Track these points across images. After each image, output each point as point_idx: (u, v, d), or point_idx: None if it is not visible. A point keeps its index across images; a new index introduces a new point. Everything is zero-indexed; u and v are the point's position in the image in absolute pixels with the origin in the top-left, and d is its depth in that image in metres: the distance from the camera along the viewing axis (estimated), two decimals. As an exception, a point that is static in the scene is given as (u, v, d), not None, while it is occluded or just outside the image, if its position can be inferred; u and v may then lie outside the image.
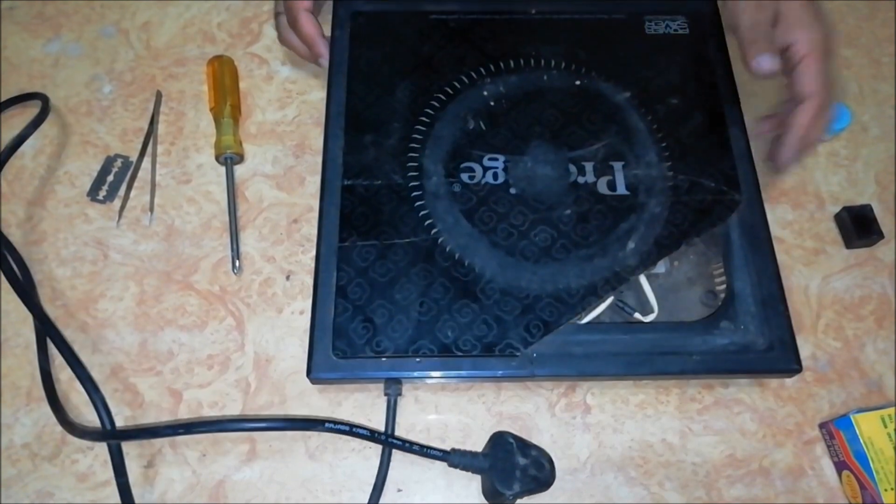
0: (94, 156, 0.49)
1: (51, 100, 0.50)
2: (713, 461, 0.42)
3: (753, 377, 0.43)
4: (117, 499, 0.39)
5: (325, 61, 0.49)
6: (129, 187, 0.48)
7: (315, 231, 0.44)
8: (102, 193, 0.48)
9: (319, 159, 0.47)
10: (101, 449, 0.41)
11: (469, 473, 0.40)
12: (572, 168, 0.45)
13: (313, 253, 0.44)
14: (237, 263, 0.46)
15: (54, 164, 0.49)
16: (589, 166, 0.45)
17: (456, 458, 0.39)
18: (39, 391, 0.42)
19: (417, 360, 0.40)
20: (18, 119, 0.50)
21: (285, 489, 0.40)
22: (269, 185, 0.49)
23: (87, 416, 0.42)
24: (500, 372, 0.40)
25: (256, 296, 0.45)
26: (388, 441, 0.40)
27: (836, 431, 0.41)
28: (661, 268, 0.44)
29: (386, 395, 0.41)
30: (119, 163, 0.49)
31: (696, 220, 0.44)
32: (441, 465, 0.40)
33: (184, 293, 0.45)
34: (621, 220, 0.44)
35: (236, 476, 0.41)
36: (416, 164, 0.45)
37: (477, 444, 0.41)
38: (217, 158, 0.48)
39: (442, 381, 0.42)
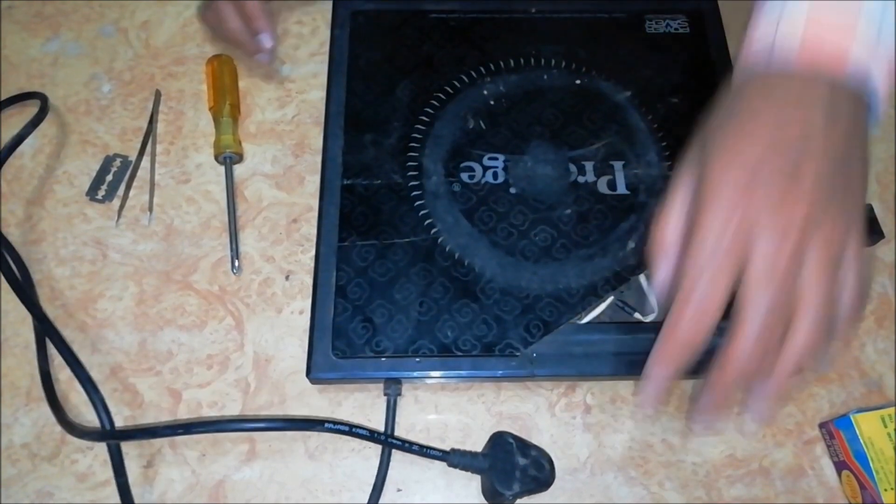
0: (93, 155, 0.49)
1: (50, 99, 0.50)
2: (713, 461, 0.42)
3: (753, 377, 0.43)
4: (117, 499, 0.39)
5: (267, 37, 0.46)
6: (129, 187, 0.48)
7: (315, 231, 0.44)
8: (101, 193, 0.48)
9: (319, 159, 0.47)
10: (101, 449, 0.41)
11: (469, 473, 0.40)
12: (572, 167, 0.45)
13: (313, 253, 0.44)
14: (236, 263, 0.46)
15: (53, 164, 0.49)
16: (589, 166, 0.45)
17: (455, 458, 0.39)
18: (39, 391, 0.42)
19: (417, 359, 0.40)
20: (17, 118, 0.49)
21: (285, 489, 0.40)
22: (268, 184, 0.48)
23: (87, 416, 0.41)
24: (500, 372, 0.40)
25: (256, 296, 0.45)
26: (387, 441, 0.40)
27: (835, 431, 0.41)
28: (661, 267, 0.44)
29: (386, 395, 0.41)
30: (118, 162, 0.49)
31: (696, 219, 0.44)
32: (441, 465, 0.40)
33: (183, 293, 0.45)
34: (621, 219, 0.44)
35: (236, 476, 0.41)
36: (415, 163, 0.45)
37: (477, 444, 0.41)
38: (216, 158, 0.48)
39: (442, 380, 0.42)
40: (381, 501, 0.40)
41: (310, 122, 0.50)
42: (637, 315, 0.43)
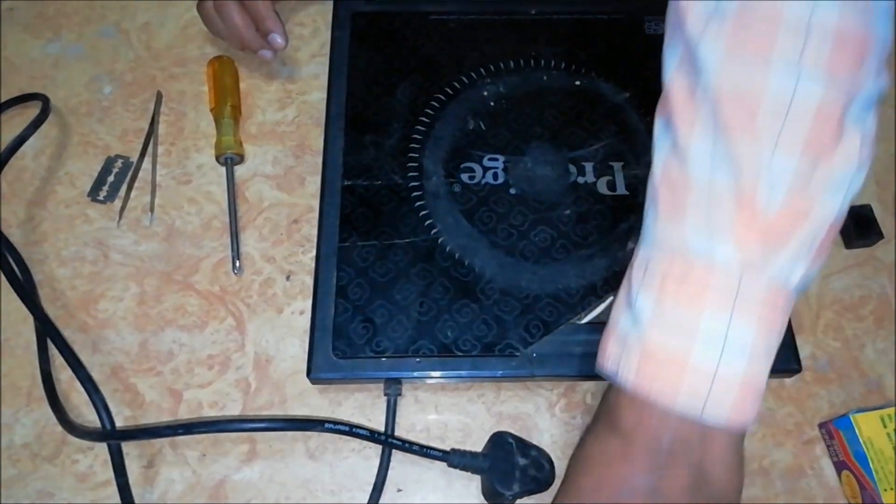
0: (94, 156, 0.49)
1: (51, 100, 0.50)
2: (713, 461, 0.42)
3: (753, 377, 0.43)
4: (117, 499, 0.39)
5: (278, 37, 0.46)
6: (130, 188, 0.48)
7: (315, 231, 0.44)
8: (103, 194, 0.48)
9: (319, 159, 0.47)
10: (101, 449, 0.41)
11: (469, 473, 0.40)
12: (572, 168, 0.45)
13: (313, 253, 0.44)
14: (237, 264, 0.46)
15: (55, 165, 0.49)
16: (589, 166, 0.45)
17: (456, 459, 0.39)
18: (39, 391, 0.42)
19: (417, 360, 0.40)
20: (19, 120, 0.50)
21: (285, 489, 0.41)
22: (269, 185, 0.49)
23: (87, 416, 0.42)
24: (500, 372, 0.40)
25: (256, 296, 0.45)
26: (387, 441, 0.40)
27: (835, 431, 0.41)
28: (660, 268, 0.44)
29: (386, 395, 0.41)
30: (119, 163, 0.49)
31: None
32: (441, 465, 0.40)
33: (184, 293, 0.45)
34: (621, 220, 0.44)
35: (236, 476, 0.41)
36: (416, 164, 0.45)
37: (477, 444, 0.41)
38: (217, 159, 0.48)
39: (442, 381, 0.42)
40: (381, 501, 0.40)
41: (310, 124, 0.50)
42: (637, 315, 0.43)
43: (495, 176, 0.45)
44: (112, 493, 0.39)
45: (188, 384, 0.43)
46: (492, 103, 0.48)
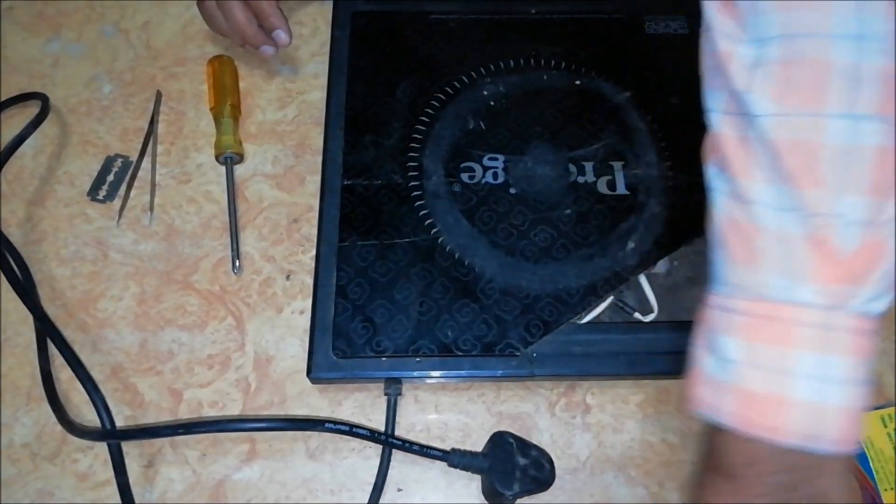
0: (94, 155, 0.49)
1: (51, 99, 0.50)
2: (713, 461, 0.42)
3: (753, 377, 0.43)
4: (117, 498, 0.39)
5: (283, 33, 0.45)
6: (129, 187, 0.48)
7: (315, 231, 0.44)
8: (102, 193, 0.48)
9: (319, 159, 0.47)
10: (101, 449, 0.41)
11: (469, 473, 0.40)
12: (572, 168, 0.45)
13: (313, 253, 0.44)
14: (237, 263, 0.46)
15: (54, 164, 0.49)
16: (589, 166, 0.45)
17: (456, 458, 0.39)
18: (39, 391, 0.42)
19: (417, 359, 0.40)
20: (18, 119, 0.50)
21: (285, 489, 0.41)
22: (269, 184, 0.49)
23: (87, 415, 0.42)
24: (500, 372, 0.40)
25: (256, 295, 0.45)
26: (388, 441, 0.40)
27: (835, 431, 0.41)
28: (661, 268, 0.44)
29: (386, 394, 0.41)
30: (119, 162, 0.49)
31: (696, 219, 0.44)
32: (441, 465, 0.40)
33: (184, 293, 0.45)
34: (621, 219, 0.44)
35: (236, 476, 0.41)
36: (416, 163, 0.45)
37: (477, 443, 0.41)
38: (217, 158, 0.48)
39: (442, 380, 0.42)
40: (381, 501, 0.40)
41: (310, 123, 0.50)
42: (637, 315, 0.43)
43: (495, 176, 0.45)
44: (112, 492, 0.39)
45: (188, 384, 0.43)
46: (492, 103, 0.48)
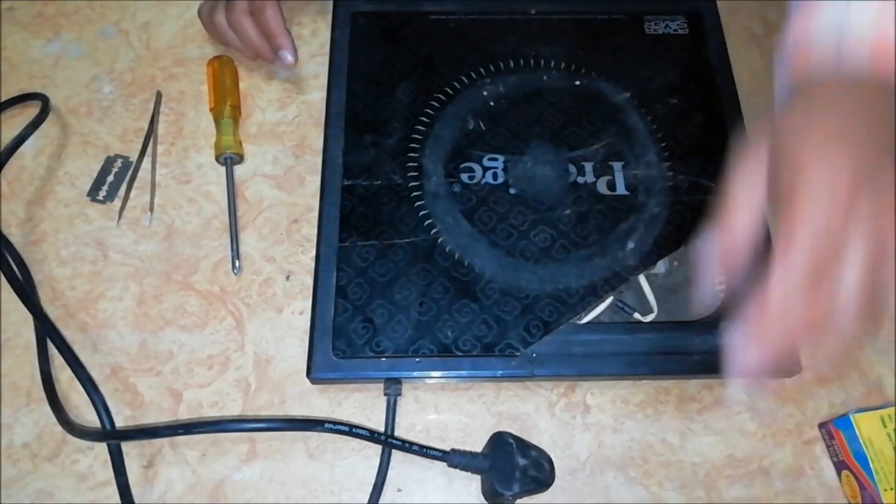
0: (94, 156, 0.49)
1: (51, 100, 0.50)
2: (713, 461, 0.42)
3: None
4: (117, 499, 0.39)
5: (288, 54, 0.47)
6: (129, 187, 0.48)
7: (315, 231, 0.44)
8: (102, 193, 0.48)
9: (319, 159, 0.47)
10: (101, 449, 0.41)
11: (469, 473, 0.40)
12: (572, 168, 0.45)
13: (313, 253, 0.44)
14: (237, 263, 0.46)
15: (54, 165, 0.49)
16: (589, 166, 0.45)
17: (455, 459, 0.39)
18: (39, 391, 0.42)
19: (417, 360, 0.40)
20: (18, 119, 0.50)
21: (285, 489, 0.41)
22: (269, 185, 0.49)
23: (87, 416, 0.42)
24: (500, 372, 0.40)
25: (256, 296, 0.45)
26: (387, 441, 0.40)
27: (835, 431, 0.41)
28: (660, 268, 0.44)
29: (386, 394, 0.41)
30: (119, 163, 0.49)
31: (695, 220, 0.44)
32: (441, 465, 0.40)
33: (184, 293, 0.45)
34: (621, 220, 0.44)
35: (236, 476, 0.41)
36: (415, 164, 0.45)
37: (477, 444, 0.41)
38: (217, 158, 0.48)
39: (442, 380, 0.42)
40: (381, 501, 0.40)
41: (310, 123, 0.50)
42: (637, 315, 0.43)
43: (495, 176, 0.45)
44: (112, 492, 0.39)
45: (188, 384, 0.43)
46: (492, 103, 0.48)
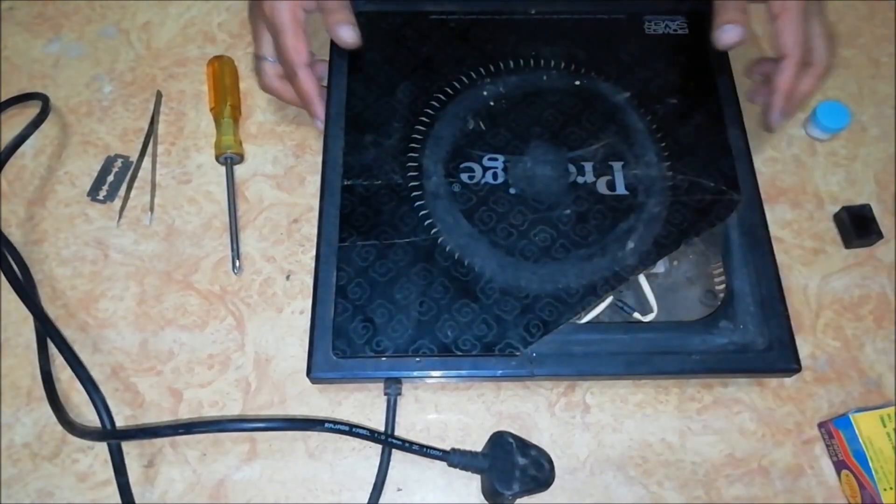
0: (94, 156, 0.49)
1: (51, 100, 0.50)
2: (712, 460, 0.42)
3: (753, 377, 0.43)
4: (117, 499, 0.39)
5: (321, 124, 0.46)
6: (130, 187, 0.48)
7: (315, 231, 0.44)
8: (103, 193, 0.48)
9: (319, 159, 0.47)
10: (102, 449, 0.41)
11: (469, 473, 0.40)
12: (572, 168, 0.45)
13: (313, 253, 0.44)
14: (237, 263, 0.46)
15: (54, 164, 0.49)
16: (588, 166, 0.45)
17: (455, 458, 0.39)
18: (40, 391, 0.42)
19: (417, 359, 0.40)
20: (19, 119, 0.50)
21: (285, 489, 0.41)
22: (269, 185, 0.49)
23: (88, 415, 0.42)
24: (500, 372, 0.40)
25: (256, 296, 0.45)
26: (387, 441, 0.40)
27: (835, 431, 0.41)
28: (660, 267, 0.44)
29: (386, 394, 0.41)
30: (119, 163, 0.49)
31: (695, 219, 0.44)
32: (441, 465, 0.40)
33: (184, 293, 0.45)
34: (621, 220, 0.44)
35: (236, 476, 0.41)
36: (416, 164, 0.45)
37: (477, 443, 0.41)
38: (217, 158, 0.48)
39: (442, 380, 0.42)
40: (381, 501, 0.40)
41: (310, 123, 0.50)
42: (636, 315, 0.43)
43: (495, 176, 0.45)
44: (112, 492, 0.39)
45: (188, 384, 0.43)
46: (492, 103, 0.48)
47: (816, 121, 0.50)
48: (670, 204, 0.44)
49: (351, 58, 0.49)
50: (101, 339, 0.44)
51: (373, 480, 0.40)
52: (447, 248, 0.43)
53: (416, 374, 0.40)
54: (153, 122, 0.50)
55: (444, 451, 0.39)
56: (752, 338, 0.41)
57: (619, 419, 0.42)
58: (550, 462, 0.40)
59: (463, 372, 0.40)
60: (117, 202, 0.48)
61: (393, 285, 0.42)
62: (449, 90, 0.48)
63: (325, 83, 0.48)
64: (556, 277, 0.42)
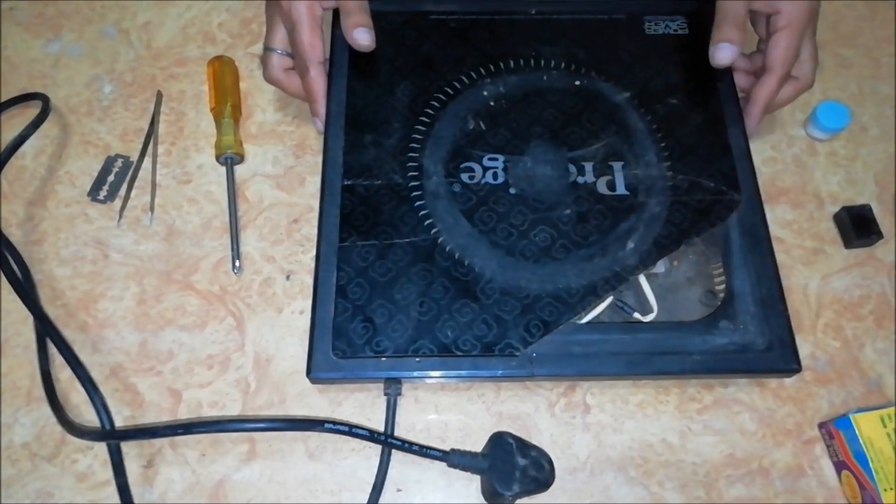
0: (94, 156, 0.49)
1: (51, 100, 0.50)
2: (713, 461, 0.42)
3: (753, 377, 0.43)
4: (117, 499, 0.39)
5: (320, 124, 0.46)
6: (130, 187, 0.48)
7: (315, 231, 0.44)
8: (103, 193, 0.48)
9: (319, 159, 0.47)
10: (101, 449, 0.41)
11: (469, 473, 0.40)
12: (572, 168, 0.45)
13: (313, 253, 0.44)
14: (237, 263, 0.46)
15: (55, 164, 0.49)
16: (588, 166, 0.45)
17: (455, 459, 0.39)
18: (39, 391, 0.42)
19: (417, 359, 0.40)
20: (19, 119, 0.50)
21: (285, 489, 0.41)
22: (269, 185, 0.49)
23: (87, 415, 0.42)
24: (500, 372, 0.40)
25: (256, 296, 0.45)
26: (387, 441, 0.40)
27: (835, 431, 0.41)
28: (660, 268, 0.44)
29: (386, 394, 0.41)
30: (119, 163, 0.49)
31: (695, 219, 0.44)
32: (441, 465, 0.40)
33: (184, 293, 0.45)
34: (621, 220, 0.44)
35: (236, 476, 0.41)
36: (416, 164, 0.45)
37: (477, 444, 0.41)
38: (217, 158, 0.48)
39: (442, 380, 0.42)
40: (381, 501, 0.40)
41: (310, 123, 0.50)
42: (637, 315, 0.43)
43: (495, 176, 0.45)
44: (112, 492, 0.39)
45: (188, 384, 0.43)
46: (492, 103, 0.48)
47: (817, 121, 0.50)
48: (670, 204, 0.44)
49: (351, 57, 0.49)
50: (100, 339, 0.44)
51: (372, 481, 0.40)
52: (447, 248, 0.43)
53: (416, 374, 0.40)
54: (153, 122, 0.50)
55: (443, 452, 0.39)
56: (752, 338, 0.41)
57: (619, 419, 0.42)
58: (550, 462, 0.40)
59: (463, 372, 0.40)
60: (117, 202, 0.48)
61: (393, 285, 0.42)
62: (449, 90, 0.48)
63: None
64: (557, 277, 0.42)
